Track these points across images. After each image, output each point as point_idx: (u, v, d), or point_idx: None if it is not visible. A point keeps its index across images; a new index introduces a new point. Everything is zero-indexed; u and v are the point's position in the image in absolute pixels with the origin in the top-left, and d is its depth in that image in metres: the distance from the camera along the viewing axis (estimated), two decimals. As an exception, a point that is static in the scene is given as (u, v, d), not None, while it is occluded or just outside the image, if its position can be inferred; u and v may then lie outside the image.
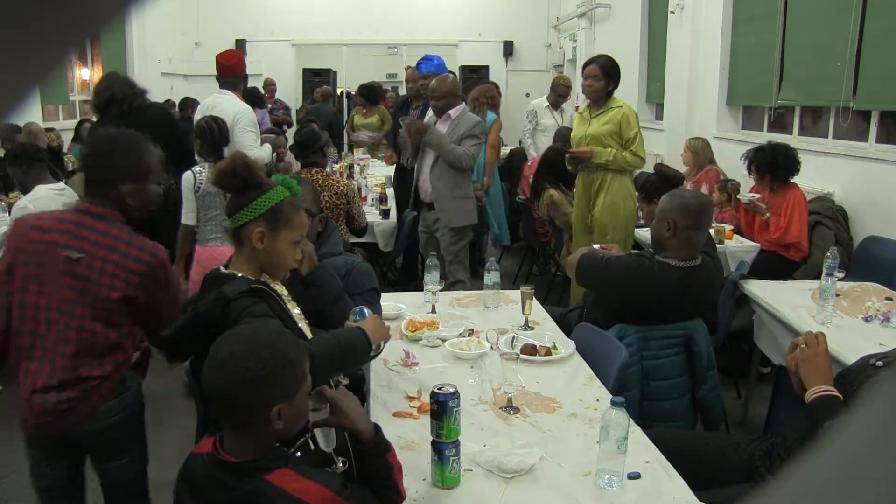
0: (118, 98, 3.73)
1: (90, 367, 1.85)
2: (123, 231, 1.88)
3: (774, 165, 4.00)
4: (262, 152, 4.25)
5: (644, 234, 4.01)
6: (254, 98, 7.78)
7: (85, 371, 1.84)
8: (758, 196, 4.20)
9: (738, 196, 4.14)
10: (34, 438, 1.92)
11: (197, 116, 4.26)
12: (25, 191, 3.69)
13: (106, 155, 1.91)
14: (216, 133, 3.57)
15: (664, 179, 3.24)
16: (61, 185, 3.77)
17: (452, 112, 3.98)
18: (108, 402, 1.89)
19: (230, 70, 4.31)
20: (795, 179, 4.09)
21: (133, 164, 1.90)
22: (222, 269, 1.79)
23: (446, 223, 3.99)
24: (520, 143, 7.10)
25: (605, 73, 3.88)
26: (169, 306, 1.97)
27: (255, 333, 1.33)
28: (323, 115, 8.00)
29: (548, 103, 6.53)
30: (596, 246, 2.99)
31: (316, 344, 1.60)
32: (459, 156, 3.88)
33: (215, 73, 4.36)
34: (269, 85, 9.27)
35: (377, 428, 1.45)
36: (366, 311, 1.94)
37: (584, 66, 4.00)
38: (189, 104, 8.58)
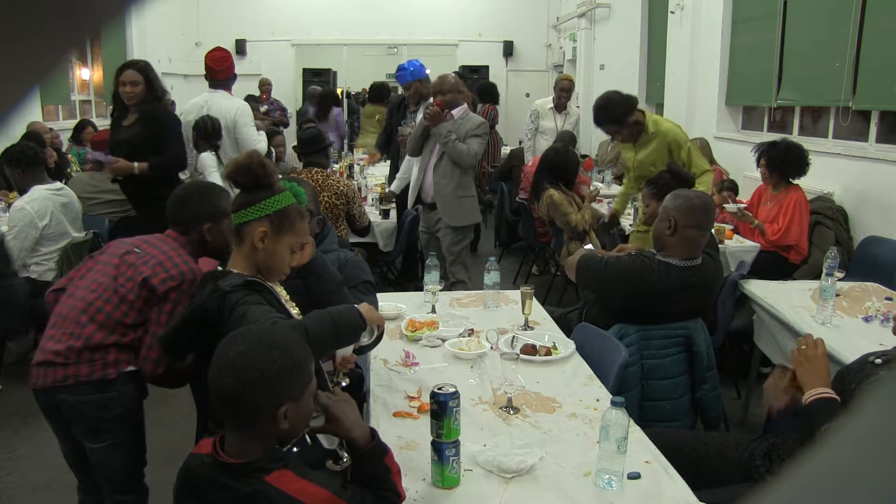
0: (157, 92, 4.03)
1: (89, 336, 2.01)
2: (179, 249, 2.12)
3: (785, 163, 4.01)
4: (263, 143, 4.46)
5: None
6: (331, 98, 8.29)
7: (82, 336, 2.01)
8: (744, 206, 4.21)
9: (723, 206, 4.13)
10: (34, 392, 2.08)
11: (188, 115, 4.33)
12: (22, 191, 3.69)
13: (189, 202, 2.17)
14: (209, 128, 4.16)
15: (677, 177, 3.21)
16: (58, 184, 3.77)
17: (455, 112, 3.94)
18: (89, 385, 2.01)
19: (224, 73, 4.40)
20: (797, 179, 4.09)
21: (211, 208, 2.15)
22: (219, 268, 1.80)
23: (448, 223, 3.98)
24: (520, 142, 7.08)
25: (615, 121, 3.80)
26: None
27: (263, 334, 1.34)
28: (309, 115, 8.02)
29: (552, 105, 6.36)
30: (590, 246, 2.98)
31: (309, 318, 1.61)
32: (461, 152, 3.86)
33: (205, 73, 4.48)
34: (265, 85, 9.16)
35: (373, 432, 1.45)
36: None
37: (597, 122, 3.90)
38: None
